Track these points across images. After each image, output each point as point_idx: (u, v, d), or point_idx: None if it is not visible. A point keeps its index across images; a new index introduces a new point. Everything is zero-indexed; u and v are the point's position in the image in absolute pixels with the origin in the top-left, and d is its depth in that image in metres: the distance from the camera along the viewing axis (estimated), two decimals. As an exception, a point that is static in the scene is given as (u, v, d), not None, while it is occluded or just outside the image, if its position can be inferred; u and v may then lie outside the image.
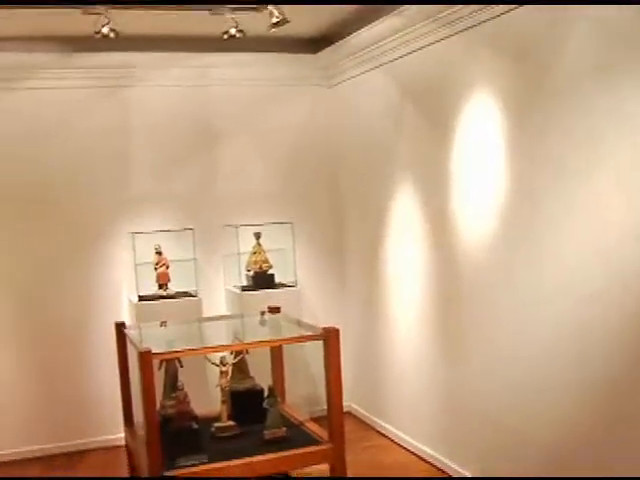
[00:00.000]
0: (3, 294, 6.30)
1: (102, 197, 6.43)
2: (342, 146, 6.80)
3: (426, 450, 5.51)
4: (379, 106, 5.95)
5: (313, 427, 4.44)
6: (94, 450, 6.42)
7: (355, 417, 6.76)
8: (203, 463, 3.96)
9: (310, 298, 6.88)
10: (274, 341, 4.81)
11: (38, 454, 6.32)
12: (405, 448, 5.83)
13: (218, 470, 3.94)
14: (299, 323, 4.83)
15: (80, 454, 6.37)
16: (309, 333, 4.42)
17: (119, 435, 5.60)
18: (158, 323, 5.00)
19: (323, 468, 4.34)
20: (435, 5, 4.64)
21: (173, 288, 6.39)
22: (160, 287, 6.34)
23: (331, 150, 6.91)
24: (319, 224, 6.98)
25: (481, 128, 4.50)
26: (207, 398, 4.79)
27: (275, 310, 5.03)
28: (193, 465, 3.94)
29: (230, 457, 4.03)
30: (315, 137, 6.88)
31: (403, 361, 5.86)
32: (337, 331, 4.13)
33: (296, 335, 4.68)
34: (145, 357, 3.72)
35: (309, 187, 6.92)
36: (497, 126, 4.34)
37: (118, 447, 5.81)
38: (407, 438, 5.82)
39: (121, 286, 6.55)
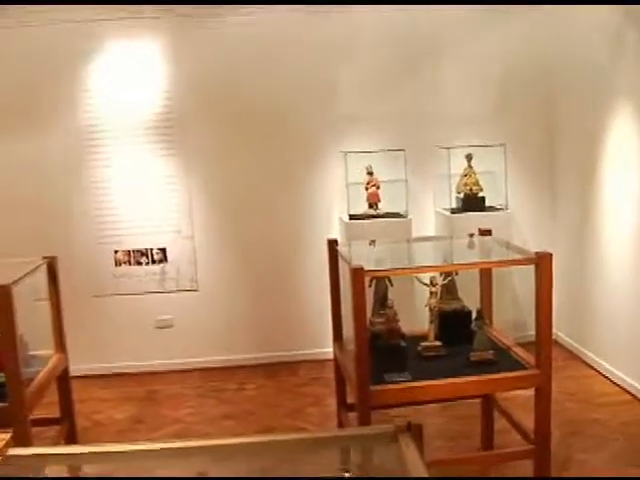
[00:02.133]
0: (220, 211, 6.65)
1: (314, 119, 6.58)
2: (556, 69, 6.53)
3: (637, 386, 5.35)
4: (598, 28, 5.65)
5: (520, 352, 4.38)
6: (302, 362, 6.73)
7: (560, 345, 6.64)
8: (409, 380, 4.04)
9: (520, 222, 6.76)
10: (485, 263, 4.75)
11: (246, 362, 6.72)
12: (613, 381, 5.68)
13: (423, 388, 3.99)
14: (509, 247, 4.75)
15: (289, 365, 6.70)
16: (520, 257, 4.33)
17: (326, 349, 5.81)
18: (368, 242, 5.07)
19: (526, 394, 4.31)
20: None
21: (383, 208, 6.46)
22: (370, 207, 6.44)
23: (544, 72, 6.67)
24: (531, 147, 6.81)
25: None
26: (415, 317, 4.84)
27: (485, 233, 4.96)
28: (400, 381, 4.01)
29: (436, 376, 4.07)
30: (529, 59, 6.67)
31: (616, 291, 5.66)
32: (550, 256, 4.03)
33: (507, 258, 4.61)
34: (357, 274, 3.80)
35: (521, 110, 6.74)
36: None
37: (326, 360, 6.05)
38: (615, 371, 5.66)
39: (332, 205, 6.71)
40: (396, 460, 2.20)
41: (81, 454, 2.61)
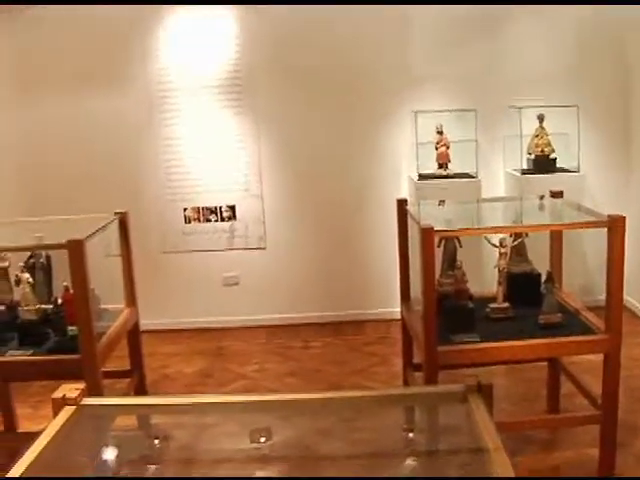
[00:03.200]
0: (289, 170, 6.69)
1: (385, 78, 6.54)
2: (633, 32, 6.34)
3: None
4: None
5: (589, 316, 4.32)
6: (369, 321, 6.76)
7: (630, 311, 6.53)
8: (477, 341, 4.02)
9: (592, 185, 6.63)
10: (556, 226, 4.68)
11: (312, 320, 6.76)
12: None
13: (491, 349, 3.97)
14: (581, 209, 4.66)
15: (355, 324, 6.73)
16: (592, 219, 4.25)
17: (393, 309, 5.82)
18: (437, 202, 5.03)
19: (594, 359, 4.25)
20: None
21: (453, 169, 6.40)
22: (440, 167, 6.38)
23: (620, 35, 6.49)
24: (604, 110, 6.65)
25: None
26: (483, 279, 4.80)
27: (557, 195, 4.87)
28: (467, 342, 4.00)
29: (503, 338, 4.05)
30: (605, 21, 6.49)
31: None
32: (623, 219, 3.94)
33: (579, 221, 4.52)
34: (427, 233, 3.78)
35: (595, 72, 6.58)
36: None
37: (392, 320, 6.06)
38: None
39: (401, 165, 6.67)
40: (465, 420, 2.20)
41: (151, 405, 2.67)
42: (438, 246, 4.25)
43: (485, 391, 2.16)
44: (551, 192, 4.91)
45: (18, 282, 4.41)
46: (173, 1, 6.47)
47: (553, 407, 4.95)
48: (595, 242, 5.63)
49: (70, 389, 2.37)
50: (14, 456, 2.14)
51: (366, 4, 6.36)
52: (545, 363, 4.92)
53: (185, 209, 6.80)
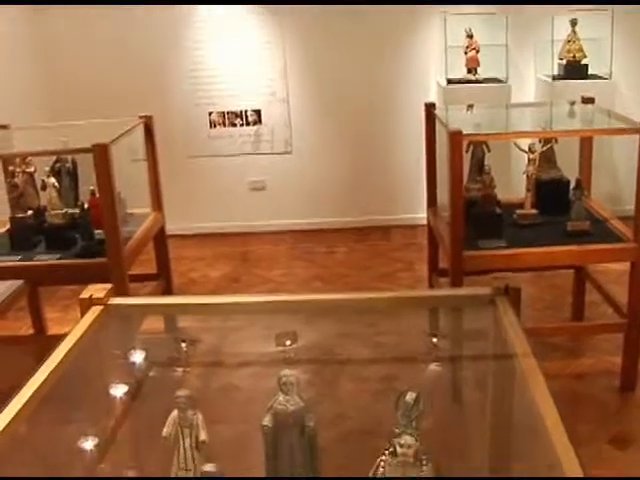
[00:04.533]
0: (316, 74, 6.58)
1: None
2: None
3: None
4: None
5: (617, 225, 4.28)
6: (394, 227, 6.75)
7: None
8: (503, 247, 4.00)
9: (624, 92, 6.47)
10: (586, 131, 4.58)
11: (337, 225, 6.76)
12: None
13: (517, 255, 3.95)
14: (612, 116, 4.56)
15: (381, 229, 6.73)
16: (624, 126, 4.16)
17: (419, 215, 5.80)
18: (465, 107, 4.94)
19: (621, 268, 4.23)
20: None
21: (482, 73, 6.28)
22: (469, 71, 6.26)
23: None
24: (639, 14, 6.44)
25: None
26: (511, 185, 4.76)
27: (588, 101, 4.77)
28: (493, 248, 3.98)
29: (530, 244, 4.02)
30: None
31: None
32: (655, 127, 3.86)
33: (609, 127, 4.43)
34: (455, 137, 3.72)
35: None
36: None
37: (418, 226, 6.05)
38: None
39: (430, 69, 6.55)
40: (492, 325, 2.18)
41: (178, 304, 2.68)
42: (466, 151, 4.19)
43: (513, 294, 2.14)
44: (582, 98, 4.80)
45: (44, 187, 4.42)
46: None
47: (578, 315, 4.95)
48: (625, 150, 5.54)
49: (97, 289, 2.38)
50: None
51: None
52: (571, 271, 4.90)
53: (210, 113, 6.74)
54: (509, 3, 6.20)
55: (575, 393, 4.20)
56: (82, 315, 2.32)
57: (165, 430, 2.39)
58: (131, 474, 2.35)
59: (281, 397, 2.25)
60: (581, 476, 1.45)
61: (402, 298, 2.38)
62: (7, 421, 1.79)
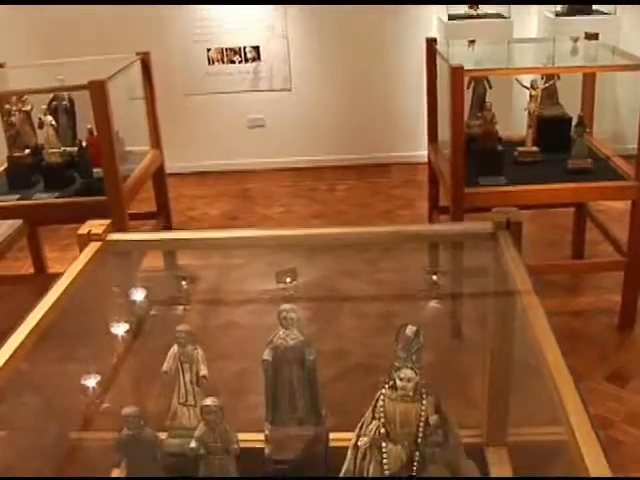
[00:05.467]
0: (315, 9, 6.46)
1: None
2: None
3: None
4: None
5: (619, 163, 4.25)
6: (394, 164, 6.72)
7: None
8: (503, 184, 3.98)
9: (629, 29, 6.38)
10: (589, 67, 4.53)
11: (337, 163, 6.73)
12: None
13: (518, 193, 3.93)
14: (616, 52, 4.50)
15: (381, 167, 6.70)
16: (627, 62, 4.10)
17: (419, 152, 5.77)
18: (466, 42, 4.87)
19: (621, 207, 4.21)
20: None
21: (483, 8, 6.20)
22: (470, 7, 6.17)
23: None
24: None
25: None
26: (512, 122, 4.72)
27: (592, 37, 4.69)
28: (494, 185, 3.97)
29: (531, 181, 4.00)
30: None
31: None
32: (659, 62, 3.80)
33: (613, 63, 4.37)
34: (456, 73, 3.67)
35: None
36: None
37: (418, 164, 6.02)
38: None
39: (430, 5, 6.47)
40: (494, 259, 2.17)
41: (178, 239, 2.66)
42: (467, 88, 4.15)
43: (514, 229, 2.12)
44: (586, 34, 4.73)
45: (41, 125, 4.38)
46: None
47: (578, 253, 4.95)
48: (629, 88, 5.48)
49: (95, 225, 2.36)
50: (45, 297, 2.16)
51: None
52: (572, 209, 4.89)
53: (208, 50, 6.65)
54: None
55: (574, 330, 4.22)
56: (80, 251, 2.30)
57: (165, 365, 2.39)
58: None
59: (281, 331, 2.25)
60: (589, 426, 1.45)
61: (402, 232, 2.35)
62: (6, 357, 1.79)
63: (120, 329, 2.58)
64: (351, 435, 2.11)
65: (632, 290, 4.15)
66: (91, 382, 2.40)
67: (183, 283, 3.16)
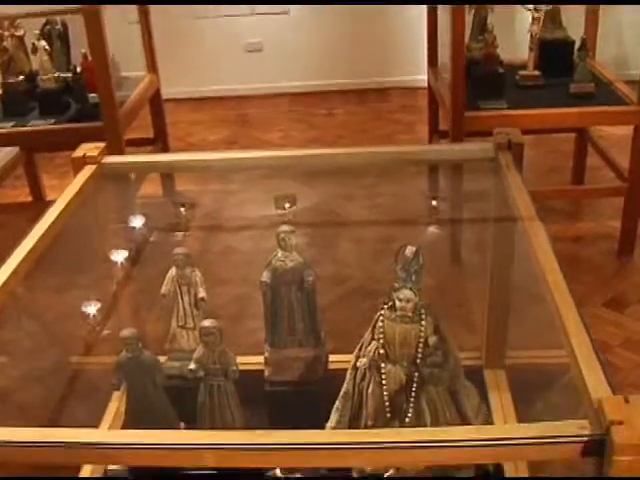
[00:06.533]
0: None
1: None
2: None
3: None
4: None
5: (623, 88, 4.19)
6: (393, 89, 6.66)
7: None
8: (504, 108, 3.93)
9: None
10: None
11: (335, 88, 6.66)
12: None
13: (519, 117, 3.88)
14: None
15: (379, 92, 6.63)
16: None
17: (419, 76, 5.70)
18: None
19: (623, 132, 4.18)
20: None
21: None
22: None
23: None
24: None
25: None
26: (514, 45, 4.63)
27: (596, -44, 4.59)
28: (495, 109, 3.91)
29: (533, 106, 3.95)
30: None
31: None
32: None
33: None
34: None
35: None
36: None
37: (418, 88, 5.96)
38: None
39: None
40: (494, 181, 2.15)
41: (174, 161, 2.64)
42: (469, 11, 4.08)
43: (516, 150, 2.09)
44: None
45: (35, 50, 4.31)
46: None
47: (578, 179, 4.92)
48: (633, 13, 5.39)
49: (90, 148, 2.33)
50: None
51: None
52: (573, 135, 4.84)
53: (205, -29, 6.51)
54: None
55: (573, 256, 4.21)
56: (75, 175, 2.28)
57: (163, 288, 2.39)
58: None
59: (279, 253, 2.24)
60: (590, 347, 1.44)
61: (402, 152, 2.33)
62: (4, 279, 1.77)
63: (119, 256, 2.57)
64: (350, 357, 2.12)
65: (632, 216, 4.13)
66: (91, 309, 2.40)
67: (182, 209, 3.14)
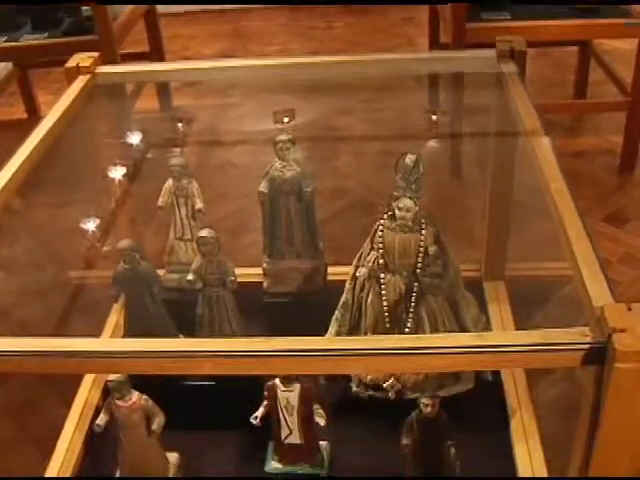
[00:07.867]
0: None
1: None
2: None
3: None
4: None
5: None
6: (394, 2, 6.52)
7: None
8: (507, 19, 3.85)
9: None
10: None
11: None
12: None
13: (522, 28, 3.78)
14: None
15: (379, 5, 6.50)
16: None
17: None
18: None
19: (626, 47, 4.10)
20: None
21: None
22: None
23: None
24: None
25: None
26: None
27: None
28: (498, 20, 3.84)
29: (536, 17, 3.86)
30: None
31: None
32: None
33: None
34: None
35: None
36: None
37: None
38: None
39: None
40: (496, 92, 2.10)
41: (171, 70, 2.58)
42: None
43: (519, 58, 2.04)
44: None
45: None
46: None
47: (580, 94, 4.85)
48: None
49: (84, 58, 2.27)
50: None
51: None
52: (575, 49, 4.76)
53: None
54: None
55: (573, 171, 4.18)
56: (69, 85, 2.23)
57: (160, 200, 2.37)
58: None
59: (277, 163, 2.21)
60: (593, 255, 1.42)
61: (402, 60, 2.27)
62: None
63: (117, 172, 2.54)
64: (349, 269, 2.11)
65: (634, 131, 4.08)
66: (90, 225, 2.37)
67: (179, 125, 3.08)
